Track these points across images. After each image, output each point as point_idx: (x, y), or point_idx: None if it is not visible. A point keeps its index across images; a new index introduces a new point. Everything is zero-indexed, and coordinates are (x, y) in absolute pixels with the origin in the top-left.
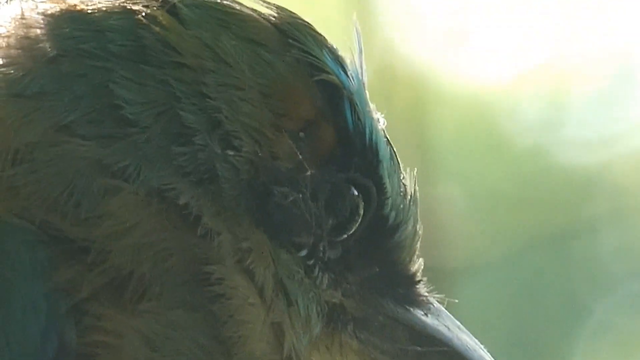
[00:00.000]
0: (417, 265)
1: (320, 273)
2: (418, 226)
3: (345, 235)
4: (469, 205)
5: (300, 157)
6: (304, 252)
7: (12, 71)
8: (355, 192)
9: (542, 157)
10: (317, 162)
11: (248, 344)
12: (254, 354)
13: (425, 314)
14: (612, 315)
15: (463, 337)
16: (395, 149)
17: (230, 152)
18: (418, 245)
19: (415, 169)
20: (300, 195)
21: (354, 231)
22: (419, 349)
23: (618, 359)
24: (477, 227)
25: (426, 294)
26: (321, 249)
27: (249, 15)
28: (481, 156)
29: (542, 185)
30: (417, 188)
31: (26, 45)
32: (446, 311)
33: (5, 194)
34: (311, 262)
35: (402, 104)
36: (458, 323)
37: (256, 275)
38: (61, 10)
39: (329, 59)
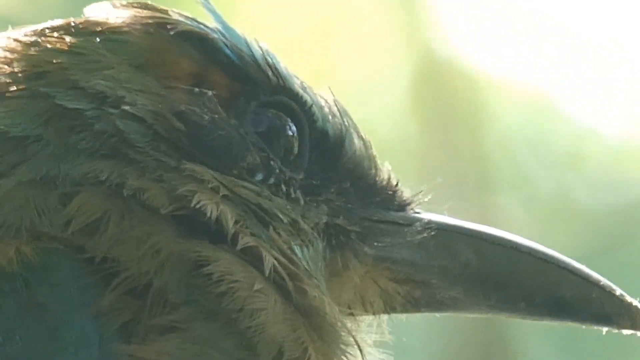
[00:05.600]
0: (386, 172)
1: (291, 190)
2: (364, 135)
3: (293, 153)
4: (526, 212)
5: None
6: (259, 176)
7: None
8: (274, 111)
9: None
10: (225, 105)
11: (267, 329)
12: (275, 338)
13: (418, 213)
14: None
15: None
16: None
17: (126, 107)
18: (375, 153)
19: (472, 176)
20: (218, 117)
21: (300, 148)
22: (432, 233)
23: None
24: (535, 235)
25: (411, 198)
26: (276, 169)
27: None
28: (537, 160)
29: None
30: (339, 101)
31: None
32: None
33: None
34: (272, 181)
35: (459, 108)
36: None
37: (208, 210)
38: None
39: (177, 15)
